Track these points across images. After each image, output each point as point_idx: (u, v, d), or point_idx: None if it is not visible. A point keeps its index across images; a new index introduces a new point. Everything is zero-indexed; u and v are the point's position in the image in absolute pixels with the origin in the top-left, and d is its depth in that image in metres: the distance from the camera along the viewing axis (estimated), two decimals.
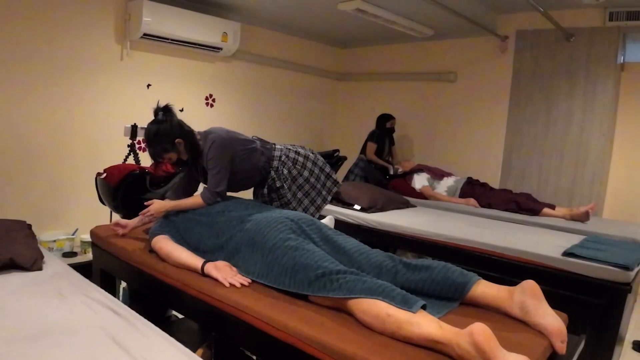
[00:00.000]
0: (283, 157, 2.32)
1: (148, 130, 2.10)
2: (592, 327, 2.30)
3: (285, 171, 2.31)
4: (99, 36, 3.58)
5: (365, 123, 5.48)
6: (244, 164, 2.22)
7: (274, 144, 2.39)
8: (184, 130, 2.13)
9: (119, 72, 3.75)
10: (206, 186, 2.17)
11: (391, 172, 4.71)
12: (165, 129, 2.08)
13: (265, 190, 2.32)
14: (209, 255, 1.90)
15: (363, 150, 4.88)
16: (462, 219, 3.49)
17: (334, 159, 4.21)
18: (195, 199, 2.12)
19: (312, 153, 2.46)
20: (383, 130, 4.82)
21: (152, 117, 2.14)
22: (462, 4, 3.83)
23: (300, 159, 2.37)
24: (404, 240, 3.18)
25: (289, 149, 2.38)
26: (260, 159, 2.27)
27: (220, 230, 1.94)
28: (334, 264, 1.57)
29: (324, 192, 2.46)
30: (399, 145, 5.21)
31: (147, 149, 2.15)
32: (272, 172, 2.29)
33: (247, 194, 2.41)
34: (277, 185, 2.29)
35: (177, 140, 2.10)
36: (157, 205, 2.11)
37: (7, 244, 1.91)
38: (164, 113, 2.13)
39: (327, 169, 2.49)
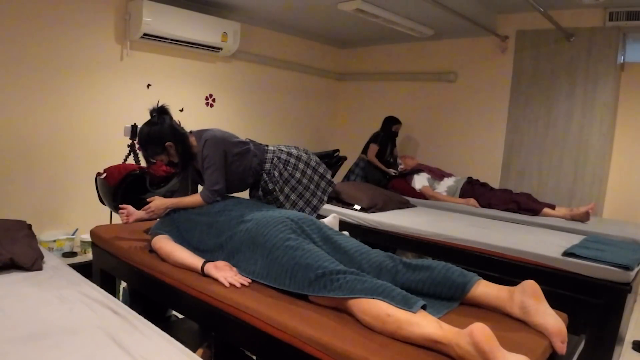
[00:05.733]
0: (274, 160, 2.30)
1: (140, 132, 2.12)
2: (592, 327, 2.29)
3: (277, 173, 2.28)
4: (99, 36, 3.58)
5: (365, 123, 5.48)
6: (237, 165, 2.20)
7: (267, 146, 2.36)
8: (176, 134, 2.12)
9: (119, 72, 3.75)
10: (205, 184, 2.17)
11: (400, 168, 4.67)
12: (155, 132, 2.09)
13: (260, 193, 2.31)
14: (209, 255, 1.89)
15: (365, 150, 4.87)
16: (462, 219, 3.49)
17: (333, 159, 4.20)
18: (195, 197, 2.12)
19: (306, 153, 2.44)
20: (387, 133, 4.81)
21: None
22: (462, 4, 3.83)
23: (292, 160, 2.34)
24: (404, 240, 3.17)
25: (282, 150, 2.36)
26: (253, 161, 2.26)
27: (220, 229, 1.94)
28: (334, 264, 1.56)
29: (318, 193, 2.43)
30: (399, 145, 5.21)
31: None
32: (264, 175, 2.28)
33: (245, 195, 2.41)
34: (270, 188, 2.28)
35: (167, 144, 2.10)
36: (157, 203, 2.11)
37: (7, 244, 1.91)
38: (158, 115, 2.13)
39: (321, 169, 2.45)
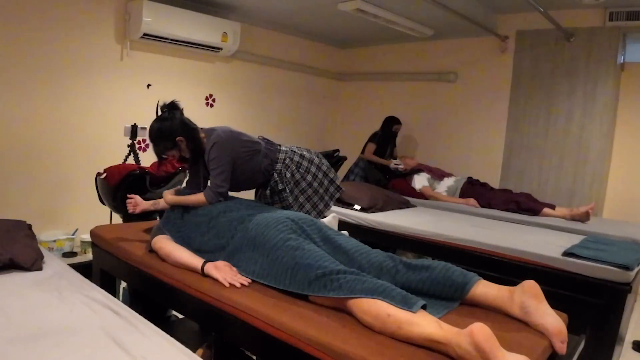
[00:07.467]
0: (287, 161, 2.30)
1: (151, 128, 2.12)
2: (592, 327, 2.29)
3: (289, 174, 2.29)
4: (99, 36, 3.58)
5: (366, 123, 5.48)
6: (246, 165, 2.21)
7: (280, 146, 2.36)
8: (187, 129, 2.13)
9: (119, 72, 3.75)
10: (209, 185, 2.17)
11: (399, 165, 4.66)
12: (166, 127, 2.09)
13: (268, 192, 2.31)
14: (209, 255, 1.89)
15: (364, 150, 4.87)
16: (462, 219, 3.49)
17: (334, 158, 4.21)
18: (199, 196, 2.12)
19: (317, 157, 2.43)
20: (386, 133, 4.81)
21: (153, 117, 2.14)
22: (462, 4, 3.83)
23: (305, 162, 2.34)
24: (404, 240, 3.17)
25: (294, 151, 2.35)
26: (263, 162, 2.25)
27: (221, 230, 1.94)
28: (334, 263, 1.56)
29: (326, 197, 2.44)
30: (400, 145, 5.21)
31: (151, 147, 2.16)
32: (275, 175, 2.28)
33: (249, 194, 2.41)
34: (279, 188, 2.28)
35: (178, 139, 2.10)
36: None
37: (7, 244, 1.90)
38: (168, 110, 2.13)
39: (331, 174, 2.46)
